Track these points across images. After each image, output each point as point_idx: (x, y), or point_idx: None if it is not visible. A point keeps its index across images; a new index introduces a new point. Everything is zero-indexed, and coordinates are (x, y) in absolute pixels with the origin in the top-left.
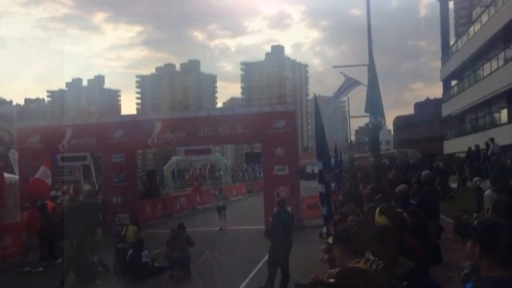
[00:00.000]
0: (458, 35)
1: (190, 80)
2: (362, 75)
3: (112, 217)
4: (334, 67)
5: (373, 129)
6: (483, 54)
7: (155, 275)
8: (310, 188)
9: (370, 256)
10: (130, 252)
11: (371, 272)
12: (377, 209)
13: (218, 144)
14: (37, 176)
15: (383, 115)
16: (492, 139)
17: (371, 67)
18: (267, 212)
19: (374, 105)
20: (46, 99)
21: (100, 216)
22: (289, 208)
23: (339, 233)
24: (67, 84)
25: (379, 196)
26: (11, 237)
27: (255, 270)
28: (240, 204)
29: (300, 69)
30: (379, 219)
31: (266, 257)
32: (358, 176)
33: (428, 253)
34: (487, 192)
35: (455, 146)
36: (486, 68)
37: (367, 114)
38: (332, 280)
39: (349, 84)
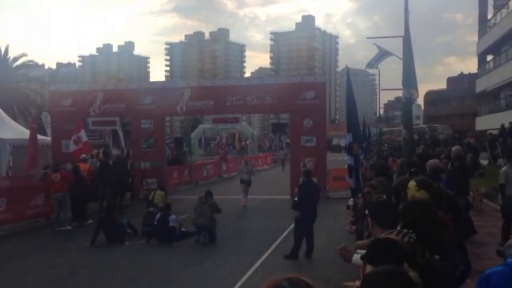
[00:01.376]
0: (497, 8)
1: (218, 49)
2: (395, 48)
3: (140, 182)
4: (368, 38)
5: (406, 103)
6: None
7: (181, 239)
8: (336, 161)
9: (403, 229)
10: (158, 216)
11: (404, 244)
12: (414, 183)
13: (246, 113)
14: (84, 139)
15: (416, 88)
16: None
17: (407, 39)
18: (292, 183)
19: (408, 78)
20: (77, 63)
21: (129, 180)
22: (314, 179)
23: (372, 205)
24: (98, 49)
25: (413, 169)
26: (44, 196)
27: (280, 239)
28: (265, 174)
29: (331, 40)
30: (418, 193)
31: (291, 226)
32: (385, 150)
33: (461, 229)
34: (503, 168)
35: (488, 122)
36: None
37: (401, 87)
38: (362, 251)
39: (383, 53)
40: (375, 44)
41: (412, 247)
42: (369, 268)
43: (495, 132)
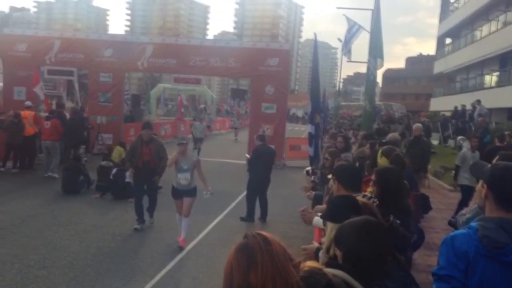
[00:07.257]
0: None
1: (182, 8)
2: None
3: (96, 136)
4: (338, 8)
5: (371, 77)
6: (483, 14)
7: None
8: (293, 131)
9: (367, 194)
10: (114, 171)
11: (371, 205)
12: (380, 151)
13: (209, 75)
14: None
15: (382, 57)
16: (478, 101)
17: (377, 11)
18: (250, 148)
19: (375, 49)
20: (32, 9)
21: (84, 133)
22: (272, 147)
23: (338, 168)
24: None
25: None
26: None
27: (235, 202)
28: (222, 138)
29: (296, 9)
30: (381, 160)
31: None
32: (344, 123)
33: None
34: (463, 150)
35: (442, 104)
36: (485, 29)
37: (365, 61)
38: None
39: (355, 30)
40: (344, 15)
41: (375, 209)
42: (330, 226)
43: (448, 114)
